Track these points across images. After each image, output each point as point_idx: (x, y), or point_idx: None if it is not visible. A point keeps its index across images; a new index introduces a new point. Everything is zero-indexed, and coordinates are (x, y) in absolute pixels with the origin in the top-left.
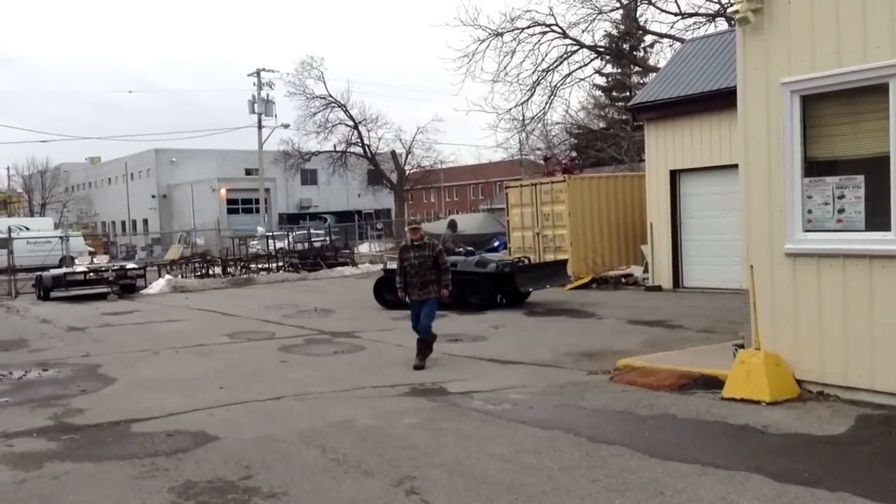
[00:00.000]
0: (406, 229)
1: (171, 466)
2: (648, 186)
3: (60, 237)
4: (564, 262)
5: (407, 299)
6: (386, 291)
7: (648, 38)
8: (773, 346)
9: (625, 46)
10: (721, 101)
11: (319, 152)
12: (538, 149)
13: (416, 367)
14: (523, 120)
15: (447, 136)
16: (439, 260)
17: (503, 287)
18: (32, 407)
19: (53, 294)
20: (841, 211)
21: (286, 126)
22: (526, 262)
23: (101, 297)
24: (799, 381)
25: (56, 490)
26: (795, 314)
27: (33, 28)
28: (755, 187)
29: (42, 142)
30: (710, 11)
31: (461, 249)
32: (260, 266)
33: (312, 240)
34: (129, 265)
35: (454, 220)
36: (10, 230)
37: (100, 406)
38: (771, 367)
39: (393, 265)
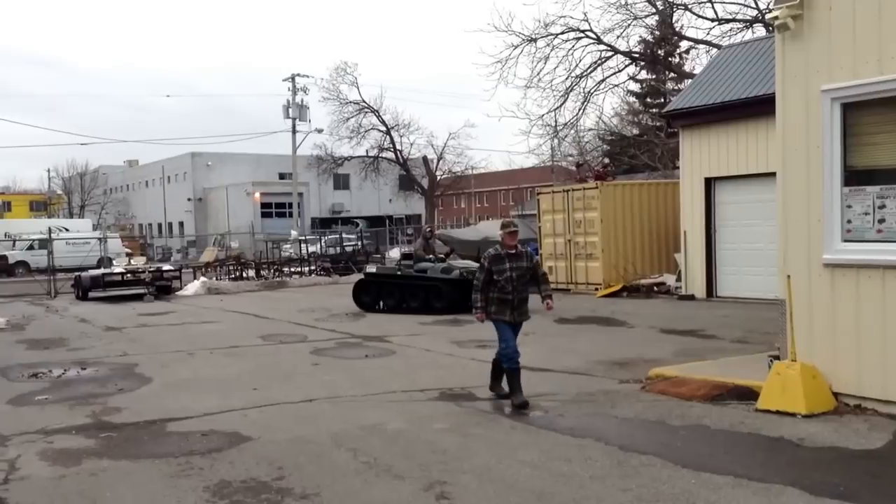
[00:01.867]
0: (499, 234)
1: (206, 466)
2: (682, 194)
3: (99, 238)
4: None
5: (481, 318)
6: (363, 294)
7: (684, 44)
8: (809, 357)
9: (660, 52)
10: (758, 108)
11: (352, 157)
12: (570, 155)
13: (522, 406)
14: (556, 126)
15: (479, 142)
16: (538, 271)
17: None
18: (71, 404)
19: (91, 294)
20: (881, 221)
21: (320, 131)
22: None
23: (138, 297)
24: (836, 394)
25: (94, 486)
26: (833, 325)
27: (77, 32)
28: (793, 196)
29: (82, 144)
30: (748, 17)
31: (430, 256)
32: (292, 269)
33: (344, 244)
34: (166, 267)
35: (431, 228)
36: (50, 231)
37: (136, 405)
38: (807, 379)
39: (372, 269)
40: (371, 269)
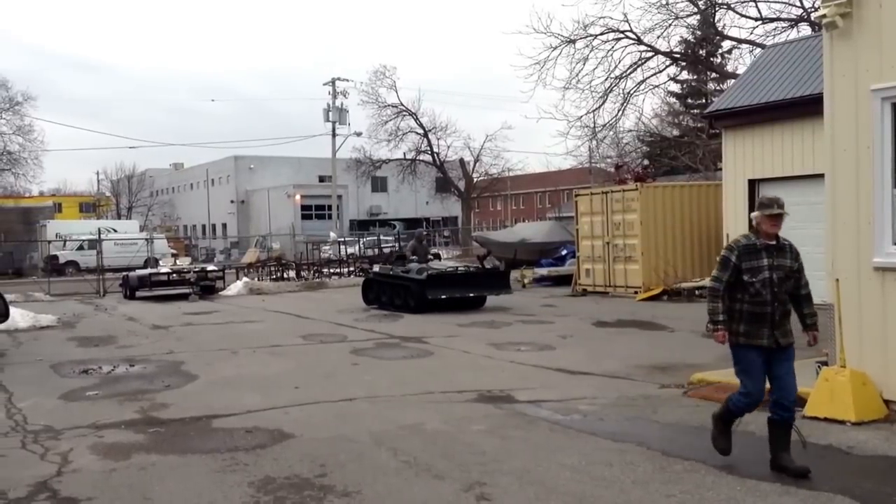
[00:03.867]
0: (754, 216)
1: (251, 462)
2: (725, 196)
3: (145, 239)
4: (501, 273)
5: (728, 338)
6: (368, 291)
7: (726, 44)
8: (859, 364)
9: (701, 52)
10: (804, 108)
11: (390, 160)
12: (609, 157)
13: (802, 473)
14: (594, 127)
15: (516, 144)
16: (802, 279)
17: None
18: (120, 400)
19: (138, 293)
20: None
21: (359, 134)
22: (461, 270)
23: (183, 297)
24: (887, 402)
25: (143, 480)
26: (884, 331)
27: (126, 39)
28: (842, 198)
29: (130, 147)
30: (792, 16)
31: (414, 257)
32: (332, 270)
33: (382, 246)
34: (210, 267)
35: (426, 231)
36: (99, 232)
37: (183, 401)
38: (857, 386)
39: (376, 269)
40: (375, 268)
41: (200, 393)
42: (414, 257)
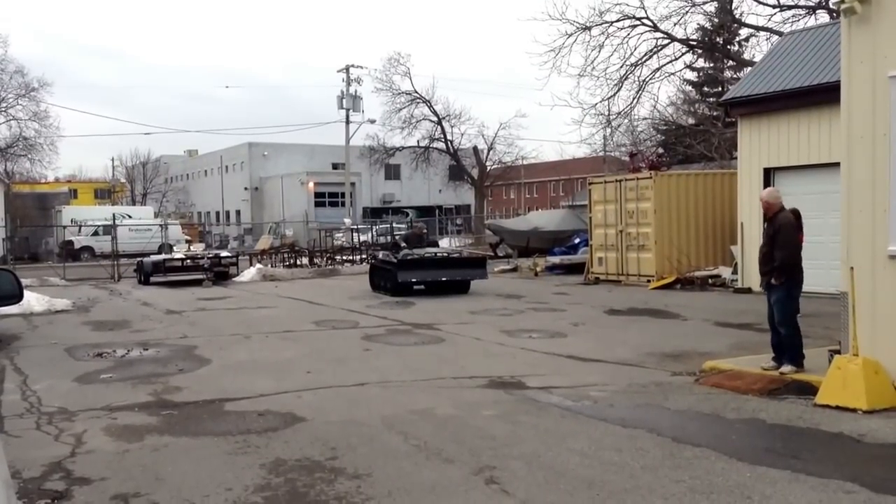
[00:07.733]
0: None
1: (262, 444)
2: (740, 184)
3: (160, 225)
4: (477, 259)
5: None
6: (373, 276)
7: (744, 32)
8: (871, 352)
9: (718, 40)
10: (821, 96)
11: (403, 148)
12: (623, 145)
13: None
14: (609, 115)
15: (530, 132)
16: None
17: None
18: (134, 383)
19: (153, 279)
20: None
21: (372, 121)
22: (439, 255)
23: (197, 283)
24: None
25: (156, 461)
26: None
27: (142, 26)
28: (858, 186)
29: (145, 134)
30: (811, 4)
31: (404, 244)
32: (344, 258)
33: (395, 233)
34: (223, 254)
35: (421, 225)
36: (114, 218)
37: (196, 385)
38: (869, 374)
39: (380, 255)
40: (380, 255)
41: (213, 377)
42: (403, 244)
